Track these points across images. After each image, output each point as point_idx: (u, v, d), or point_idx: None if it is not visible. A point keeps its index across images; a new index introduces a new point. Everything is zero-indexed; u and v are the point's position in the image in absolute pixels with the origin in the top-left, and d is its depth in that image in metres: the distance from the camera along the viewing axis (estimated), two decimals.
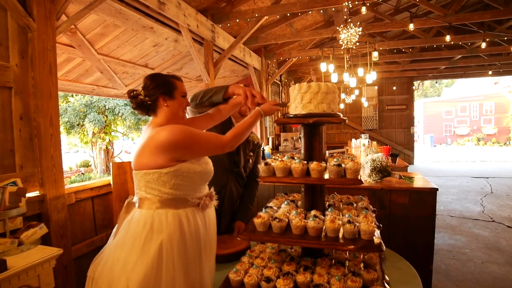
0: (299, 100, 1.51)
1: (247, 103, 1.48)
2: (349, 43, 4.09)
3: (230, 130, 1.40)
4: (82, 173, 10.47)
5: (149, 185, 1.29)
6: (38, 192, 1.95)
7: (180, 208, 1.29)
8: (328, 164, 1.45)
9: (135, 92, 1.36)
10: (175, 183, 1.28)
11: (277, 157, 1.57)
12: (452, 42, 5.98)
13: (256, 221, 1.47)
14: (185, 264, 1.25)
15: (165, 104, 1.35)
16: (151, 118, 1.43)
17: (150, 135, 1.30)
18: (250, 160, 2.13)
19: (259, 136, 6.52)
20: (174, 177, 1.28)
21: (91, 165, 10.94)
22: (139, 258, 1.20)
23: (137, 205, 1.33)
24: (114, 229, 1.38)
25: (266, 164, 1.51)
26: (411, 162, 10.23)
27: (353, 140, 6.11)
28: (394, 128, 10.54)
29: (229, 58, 5.26)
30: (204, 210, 1.38)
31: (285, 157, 1.54)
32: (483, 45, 5.78)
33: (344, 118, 1.52)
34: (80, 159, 12.03)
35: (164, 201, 1.28)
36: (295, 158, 1.53)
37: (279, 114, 7.99)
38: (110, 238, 1.36)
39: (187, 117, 1.59)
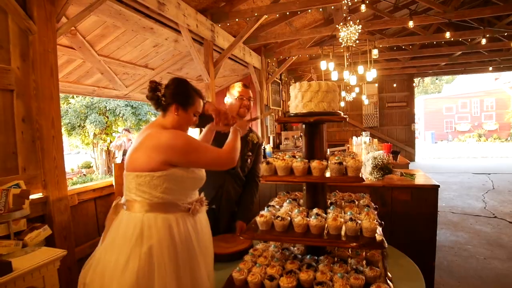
0: (300, 99, 1.51)
1: (219, 123, 1.57)
2: (348, 41, 4.09)
3: (223, 149, 1.42)
4: (84, 175, 10.49)
5: (140, 188, 1.26)
6: (41, 194, 1.96)
7: (170, 213, 1.27)
8: (329, 162, 1.45)
9: (157, 86, 1.35)
10: (167, 187, 1.26)
11: (278, 156, 1.58)
12: (452, 39, 5.96)
13: (259, 220, 1.48)
14: (177, 269, 1.22)
15: (176, 113, 1.34)
16: (152, 119, 1.43)
17: (150, 134, 1.29)
18: (249, 160, 2.11)
19: (260, 135, 6.53)
20: (166, 181, 1.25)
21: (92, 166, 10.97)
22: (129, 262, 1.18)
23: (125, 207, 1.31)
24: (103, 233, 1.36)
25: (267, 163, 1.52)
26: (412, 159, 10.22)
27: (354, 137, 6.09)
28: (395, 125, 10.53)
29: (229, 58, 5.26)
30: (195, 215, 1.35)
31: (287, 156, 1.55)
32: (483, 41, 5.78)
33: (344, 116, 1.52)
34: (82, 160, 12.05)
35: (154, 205, 1.26)
36: (297, 157, 1.54)
37: (280, 113, 7.99)
38: (99, 242, 1.35)
39: None
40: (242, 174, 2.10)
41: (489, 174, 8.13)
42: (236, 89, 2.03)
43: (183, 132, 1.33)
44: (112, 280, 1.17)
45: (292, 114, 1.56)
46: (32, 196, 1.83)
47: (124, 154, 7.71)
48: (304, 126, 1.59)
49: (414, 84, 10.71)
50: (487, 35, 5.89)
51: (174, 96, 1.34)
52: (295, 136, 7.81)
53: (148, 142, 1.27)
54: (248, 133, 2.08)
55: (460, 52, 8.10)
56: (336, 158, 1.45)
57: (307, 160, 1.47)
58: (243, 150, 2.05)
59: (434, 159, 12.44)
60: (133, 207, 1.28)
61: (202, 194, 1.46)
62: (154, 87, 1.34)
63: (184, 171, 1.29)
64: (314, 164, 1.43)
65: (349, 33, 4.03)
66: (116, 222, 1.30)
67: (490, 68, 9.33)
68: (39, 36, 1.94)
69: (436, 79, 19.95)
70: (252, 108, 2.10)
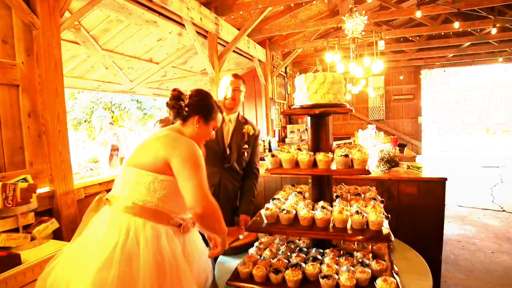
0: (305, 91, 1.49)
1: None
2: (354, 32, 4.03)
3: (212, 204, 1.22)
4: (91, 169, 10.61)
5: (137, 188, 1.18)
6: (48, 188, 1.98)
7: (160, 224, 1.18)
8: (335, 154, 1.44)
9: (180, 95, 1.31)
10: (165, 195, 1.19)
11: (283, 149, 1.56)
12: (460, 29, 5.82)
13: (264, 213, 1.47)
14: (162, 281, 1.11)
15: (197, 125, 1.31)
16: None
17: (168, 134, 1.25)
18: (246, 152, 2.04)
19: (265, 128, 6.51)
20: (167, 188, 1.19)
21: (99, 161, 11.08)
22: (108, 269, 1.05)
23: (110, 204, 1.21)
24: (78, 230, 1.25)
25: (272, 155, 1.51)
26: (419, 152, 10.11)
27: (360, 131, 6.05)
28: (401, 118, 10.40)
29: (234, 51, 5.23)
30: (185, 233, 1.27)
31: (292, 149, 1.54)
32: (494, 31, 5.63)
33: (351, 108, 1.50)
34: (89, 155, 12.18)
35: (146, 210, 1.17)
36: (302, 149, 1.52)
37: (285, 106, 7.95)
38: (72, 239, 1.24)
39: None
40: (239, 168, 2.03)
41: (497, 167, 8.01)
42: (224, 81, 1.98)
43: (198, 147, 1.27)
44: (79, 285, 1.04)
45: (297, 106, 1.54)
46: (39, 190, 1.86)
47: (112, 149, 7.47)
48: (309, 118, 1.57)
49: (421, 76, 10.54)
50: (498, 25, 5.73)
51: (198, 107, 1.31)
52: (301, 129, 7.78)
53: (163, 138, 1.23)
54: (243, 124, 2.03)
55: (469, 43, 7.93)
56: (342, 150, 1.43)
57: (312, 153, 1.46)
58: (239, 143, 2.00)
59: (441, 152, 12.30)
60: (121, 207, 1.17)
61: None
62: (177, 96, 1.30)
63: None
64: (320, 156, 1.42)
65: (354, 24, 3.97)
66: (96, 220, 1.21)
67: (500, 59, 9.11)
68: (43, 31, 1.94)
69: (444, 71, 19.63)
70: (242, 100, 2.02)
